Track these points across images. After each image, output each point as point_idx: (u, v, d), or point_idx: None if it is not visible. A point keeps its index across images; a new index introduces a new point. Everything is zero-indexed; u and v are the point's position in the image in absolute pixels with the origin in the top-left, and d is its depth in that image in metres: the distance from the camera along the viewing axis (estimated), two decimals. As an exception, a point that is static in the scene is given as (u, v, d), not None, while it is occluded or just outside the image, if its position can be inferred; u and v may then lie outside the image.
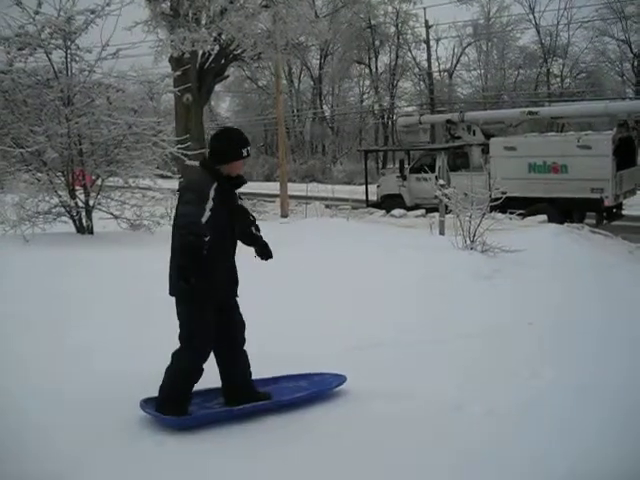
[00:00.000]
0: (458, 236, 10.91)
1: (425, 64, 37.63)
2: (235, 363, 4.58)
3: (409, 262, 9.46)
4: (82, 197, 10.69)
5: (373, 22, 39.52)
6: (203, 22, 20.98)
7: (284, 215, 20.07)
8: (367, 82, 43.50)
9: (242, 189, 4.55)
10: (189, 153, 11.70)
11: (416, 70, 40.99)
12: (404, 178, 20.55)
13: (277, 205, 21.31)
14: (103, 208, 10.95)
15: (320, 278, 8.16)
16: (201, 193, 4.13)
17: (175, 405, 4.31)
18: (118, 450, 4.09)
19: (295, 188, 23.93)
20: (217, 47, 21.50)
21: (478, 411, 4.73)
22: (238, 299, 4.66)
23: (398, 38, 40.02)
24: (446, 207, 12.85)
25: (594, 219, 16.99)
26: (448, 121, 21.36)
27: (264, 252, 4.73)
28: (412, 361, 5.84)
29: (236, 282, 4.58)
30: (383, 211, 20.53)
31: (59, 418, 4.37)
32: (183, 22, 19.45)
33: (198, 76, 21.62)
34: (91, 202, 10.76)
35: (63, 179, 10.60)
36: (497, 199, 11.43)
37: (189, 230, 3.98)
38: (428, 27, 35.14)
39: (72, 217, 10.67)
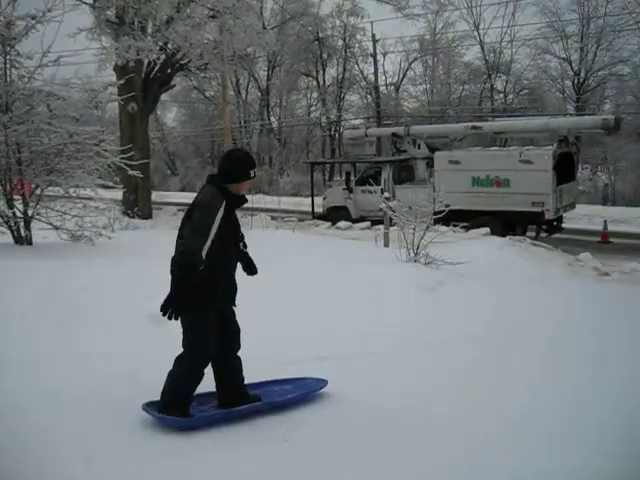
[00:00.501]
0: (402, 248, 10.99)
1: (372, 78, 37.92)
2: (230, 367, 4.84)
3: (353, 274, 9.48)
4: (20, 207, 10.43)
5: (321, 35, 39.69)
6: (149, 31, 20.82)
7: (229, 226, 19.90)
8: (315, 94, 43.64)
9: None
10: (132, 163, 11.55)
11: (363, 83, 41.30)
12: (350, 190, 20.64)
13: (222, 216, 21.13)
14: (43, 218, 10.70)
15: (265, 291, 8.10)
16: (210, 209, 4.40)
17: (177, 407, 4.53)
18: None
19: (241, 199, 23.73)
20: (163, 56, 21.36)
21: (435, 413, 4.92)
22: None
23: (345, 51, 40.29)
24: (391, 220, 12.93)
25: (535, 232, 17.31)
26: (394, 134, 21.55)
27: (250, 268, 5.02)
28: (362, 372, 5.92)
29: (235, 291, 4.83)
30: (329, 223, 20.56)
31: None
32: (128, 30, 19.24)
33: (143, 85, 21.41)
34: (30, 212, 10.51)
35: (0, 188, 10.35)
36: (441, 212, 11.56)
37: (192, 256, 4.28)
38: (375, 41, 35.45)
39: (10, 227, 10.41)
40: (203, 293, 4.37)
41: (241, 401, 4.80)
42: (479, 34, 37.29)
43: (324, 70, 41.65)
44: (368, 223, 19.66)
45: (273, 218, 19.67)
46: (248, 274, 5.00)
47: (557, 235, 17.75)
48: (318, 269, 9.63)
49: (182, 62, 22.32)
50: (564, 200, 17.42)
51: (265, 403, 4.91)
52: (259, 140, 44.71)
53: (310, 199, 22.55)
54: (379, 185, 19.51)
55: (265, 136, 44.17)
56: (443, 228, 12.92)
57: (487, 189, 17.31)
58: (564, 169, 17.18)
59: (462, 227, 15.57)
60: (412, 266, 10.36)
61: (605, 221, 19.59)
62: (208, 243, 4.32)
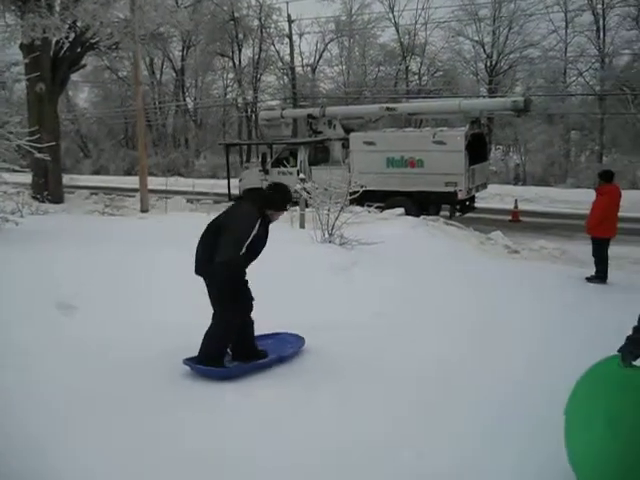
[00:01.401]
0: (317, 230, 10.99)
1: (288, 58, 37.75)
2: (247, 329, 5.97)
3: (268, 255, 9.40)
4: None
5: (236, 15, 39.12)
6: (57, 8, 20.04)
7: (144, 210, 19.51)
8: (231, 75, 43.05)
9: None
10: (40, 146, 11.11)
11: (279, 64, 40.98)
12: (266, 172, 20.49)
13: (137, 200, 20.69)
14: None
15: (183, 276, 7.98)
16: (250, 224, 5.55)
17: (215, 360, 5.66)
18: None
19: (157, 182, 23.37)
20: (72, 35, 20.63)
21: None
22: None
23: (262, 32, 39.86)
24: (306, 200, 12.90)
25: (449, 211, 17.62)
26: (309, 115, 21.48)
27: None
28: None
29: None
30: (243, 205, 20.38)
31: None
32: (34, 7, 18.45)
33: (52, 65, 20.63)
34: None
35: None
36: (355, 192, 11.60)
37: (231, 266, 5.51)
38: (291, 22, 35.27)
39: None
40: (234, 276, 5.65)
41: (255, 355, 5.98)
42: (394, 16, 37.53)
43: (240, 50, 41.11)
44: (286, 204, 19.59)
45: (189, 201, 19.39)
46: None
47: (470, 214, 18.12)
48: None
49: (92, 41, 21.59)
50: (476, 180, 17.75)
51: (278, 357, 6.02)
52: (174, 121, 43.93)
53: (226, 181, 22.31)
54: (295, 166, 19.47)
55: (180, 117, 43.41)
56: (358, 209, 12.99)
57: (401, 170, 17.47)
58: (476, 150, 17.48)
59: (377, 207, 15.78)
60: (327, 247, 10.38)
61: (516, 200, 20.13)
62: (242, 251, 5.48)
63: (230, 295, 5.65)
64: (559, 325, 7.30)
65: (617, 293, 9.44)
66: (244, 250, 5.49)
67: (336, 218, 10.76)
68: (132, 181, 27.38)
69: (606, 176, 10.58)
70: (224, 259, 5.39)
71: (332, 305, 7.56)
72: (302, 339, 6.34)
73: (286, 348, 6.23)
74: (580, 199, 18.93)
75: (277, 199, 5.83)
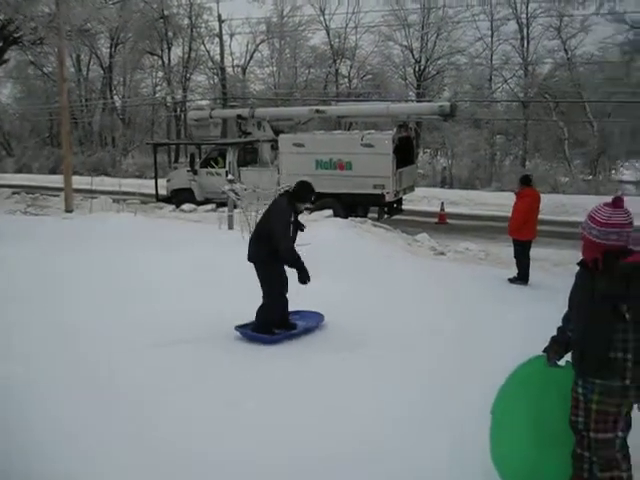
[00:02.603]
0: (246, 231, 10.94)
1: (218, 58, 37.47)
2: (285, 303, 7.29)
3: (196, 258, 9.33)
4: None
5: (166, 13, 38.63)
6: (-24, 0, 19.42)
7: (68, 210, 19.08)
8: (160, 74, 42.48)
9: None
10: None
11: (209, 64, 40.65)
12: (195, 172, 20.32)
13: (62, 199, 20.19)
14: None
15: (105, 278, 7.85)
16: (287, 214, 6.97)
17: (266, 328, 7.08)
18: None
19: (82, 181, 22.87)
20: (-6, 28, 20.04)
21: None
22: None
23: (192, 31, 39.46)
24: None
25: (377, 213, 17.79)
26: (239, 116, 21.40)
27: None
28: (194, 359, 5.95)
29: None
30: (173, 206, 20.17)
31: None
32: (-49, -1, 17.86)
33: (-29, 59, 20.02)
34: None
35: None
36: (284, 194, 11.58)
37: (291, 251, 6.95)
38: (221, 21, 34.99)
39: None
40: (275, 260, 6.95)
41: (290, 326, 7.32)
42: (325, 19, 37.78)
43: (169, 49, 40.61)
44: (213, 205, 19.47)
45: (115, 201, 19.01)
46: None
47: (397, 216, 18.34)
48: (159, 254, 9.40)
49: (15, 35, 21.01)
50: (404, 183, 17.99)
51: (308, 327, 7.37)
52: (101, 119, 43.00)
53: (154, 181, 22.00)
54: (224, 167, 19.37)
55: (108, 115, 42.54)
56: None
57: (330, 172, 17.56)
58: (404, 153, 17.73)
59: (306, 209, 15.80)
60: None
61: (442, 203, 20.46)
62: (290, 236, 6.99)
63: (274, 277, 7.10)
64: (482, 325, 7.45)
65: (539, 294, 9.69)
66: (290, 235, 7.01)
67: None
68: (57, 180, 26.70)
69: (525, 180, 10.93)
70: (284, 247, 6.84)
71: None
72: (322, 315, 7.57)
73: (309, 322, 7.50)
74: (504, 202, 19.36)
75: (301, 193, 7.23)
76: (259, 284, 7.06)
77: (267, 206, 7.47)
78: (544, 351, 3.98)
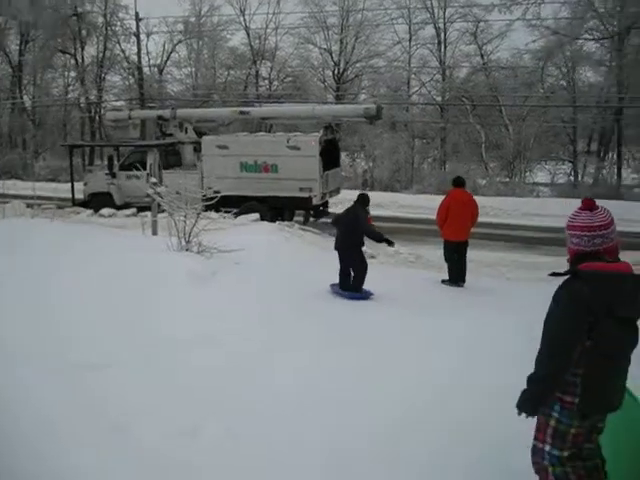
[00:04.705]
0: (173, 237, 10.50)
1: (135, 58, 36.54)
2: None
3: (119, 265, 8.86)
4: None
5: (80, 10, 37.34)
6: None
7: (-23, 215, 18.08)
8: (73, 73, 41.03)
9: None
10: None
11: (125, 64, 39.56)
12: (113, 175, 19.65)
13: (-31, 204, 19.13)
14: None
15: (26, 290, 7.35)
16: (365, 215, 10.06)
17: (357, 289, 9.75)
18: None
19: (-9, 185, 21.75)
20: None
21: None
22: None
23: (107, 29, 38.31)
24: (159, 206, 12.37)
25: (303, 217, 17.61)
26: (159, 117, 20.83)
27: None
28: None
29: None
30: (91, 210, 19.45)
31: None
32: None
33: None
34: None
35: None
36: (212, 198, 11.24)
37: (377, 234, 10.01)
38: (138, 20, 34.14)
39: None
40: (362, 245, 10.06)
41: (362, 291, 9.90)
42: (245, 19, 37.32)
43: (83, 48, 39.25)
44: (134, 210, 18.87)
45: (29, 206, 18.13)
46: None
47: (323, 219, 18.18)
48: (78, 262, 8.89)
49: None
50: (330, 185, 17.88)
51: (369, 293, 9.80)
52: (10, 120, 41.20)
53: (70, 185, 21.15)
54: (145, 170, 18.78)
55: (17, 116, 40.78)
56: (214, 215, 12.64)
57: (255, 174, 17.29)
58: (329, 156, 17.62)
59: (233, 213, 15.50)
60: (184, 255, 9.92)
61: (367, 206, 20.39)
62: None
63: (363, 256, 10.06)
64: (423, 328, 7.40)
65: (471, 295, 9.84)
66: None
67: (194, 225, 10.31)
68: (-37, 184, 25.38)
69: (453, 181, 11.59)
70: (373, 235, 9.95)
71: (189, 316, 7.24)
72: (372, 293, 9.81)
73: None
74: (426, 205, 19.51)
75: (367, 201, 10.31)
76: (346, 265, 9.88)
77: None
78: (518, 406, 3.55)
